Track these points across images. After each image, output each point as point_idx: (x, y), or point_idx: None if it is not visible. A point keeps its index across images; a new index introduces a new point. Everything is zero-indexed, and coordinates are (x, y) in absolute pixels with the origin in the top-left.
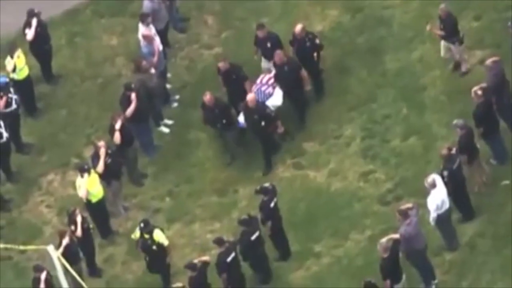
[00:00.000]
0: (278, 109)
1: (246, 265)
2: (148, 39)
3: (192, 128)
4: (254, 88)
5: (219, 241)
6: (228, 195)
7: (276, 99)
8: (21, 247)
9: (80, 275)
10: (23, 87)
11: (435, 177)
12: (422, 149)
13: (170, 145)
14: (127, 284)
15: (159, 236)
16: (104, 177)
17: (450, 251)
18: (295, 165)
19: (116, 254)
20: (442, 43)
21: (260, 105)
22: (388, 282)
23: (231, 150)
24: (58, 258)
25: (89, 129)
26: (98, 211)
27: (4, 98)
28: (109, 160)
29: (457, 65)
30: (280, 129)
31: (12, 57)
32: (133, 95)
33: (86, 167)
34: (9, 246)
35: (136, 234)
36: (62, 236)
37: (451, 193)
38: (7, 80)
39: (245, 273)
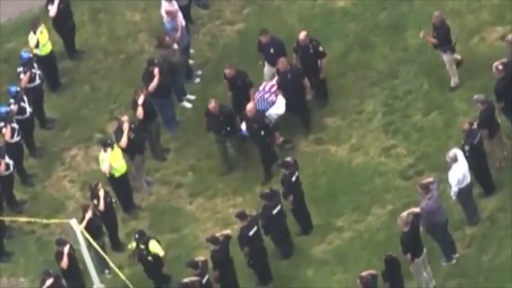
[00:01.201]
0: (281, 116)
1: (268, 239)
2: (171, 14)
3: None
4: (257, 95)
5: (241, 215)
6: (250, 170)
7: (279, 107)
8: (44, 221)
9: (102, 249)
10: (47, 62)
11: (456, 152)
12: (443, 124)
13: (192, 120)
14: None
15: (154, 247)
16: (128, 152)
17: (471, 225)
18: (316, 140)
19: (138, 229)
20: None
21: (260, 115)
22: (408, 256)
23: (229, 159)
24: (81, 232)
25: (112, 104)
26: (121, 186)
27: (28, 74)
28: (133, 135)
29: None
30: (279, 140)
31: (35, 32)
32: (156, 71)
33: (109, 141)
34: (32, 219)
35: (133, 244)
36: (85, 210)
37: (472, 167)
38: (31, 55)
39: (267, 247)
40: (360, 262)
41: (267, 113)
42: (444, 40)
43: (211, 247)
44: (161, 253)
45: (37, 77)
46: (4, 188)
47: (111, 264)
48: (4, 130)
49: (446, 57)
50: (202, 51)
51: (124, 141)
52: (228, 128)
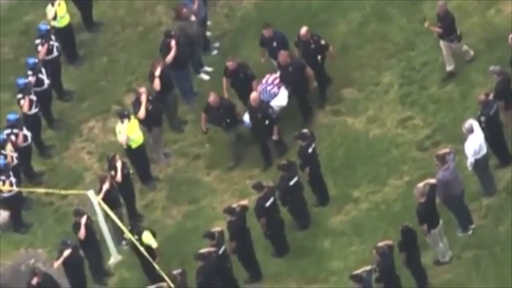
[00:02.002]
0: (282, 109)
1: (284, 210)
2: None
3: None
4: (260, 87)
5: (258, 186)
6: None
7: (281, 99)
8: (62, 192)
9: (120, 220)
10: (64, 34)
11: (472, 123)
12: (459, 96)
13: (209, 92)
14: (167, 229)
15: (147, 238)
16: (145, 123)
17: (487, 196)
18: (334, 111)
19: (156, 200)
20: (441, 42)
21: (264, 104)
22: (425, 227)
23: (234, 150)
24: (99, 203)
25: (129, 76)
26: (138, 157)
27: (46, 46)
28: (150, 107)
29: (449, 75)
30: (275, 136)
31: (53, 4)
32: (173, 42)
33: (126, 113)
34: (50, 190)
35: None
36: (102, 181)
37: (488, 138)
38: (48, 27)
39: (284, 218)
40: (376, 233)
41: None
42: (449, 29)
43: (228, 218)
44: (154, 244)
45: (55, 49)
46: (22, 159)
47: (129, 235)
48: (22, 102)
49: (454, 46)
50: (219, 23)
51: (142, 112)
52: (228, 120)
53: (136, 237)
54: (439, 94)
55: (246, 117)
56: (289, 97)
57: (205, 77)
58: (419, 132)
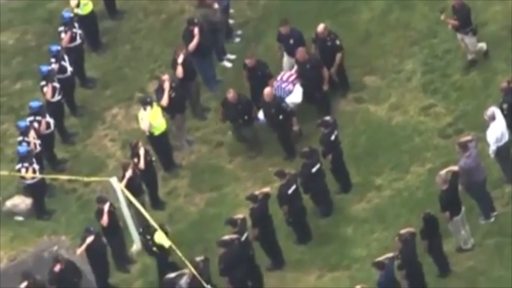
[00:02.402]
0: (297, 107)
1: (307, 197)
2: None
3: None
4: (275, 84)
5: (280, 174)
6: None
7: (295, 96)
8: (85, 179)
9: (143, 208)
10: (87, 22)
11: (494, 110)
12: (482, 83)
13: (232, 80)
14: (190, 216)
15: (160, 238)
16: (168, 111)
17: (510, 183)
18: (356, 99)
19: (179, 187)
20: (458, 35)
21: (277, 99)
22: (447, 214)
23: (252, 142)
24: (121, 190)
25: (152, 64)
26: (161, 144)
27: (69, 33)
28: (173, 94)
29: (471, 64)
30: (296, 127)
31: None
32: (196, 30)
33: (148, 100)
34: (73, 177)
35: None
36: (125, 168)
37: (510, 125)
38: (72, 15)
39: (306, 206)
40: (399, 220)
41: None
42: (465, 22)
43: (250, 205)
44: (166, 244)
45: (78, 37)
46: (45, 147)
47: (152, 222)
48: (45, 89)
49: (468, 40)
50: (242, 11)
51: (165, 100)
52: (246, 117)
53: (149, 237)
54: (461, 81)
55: (261, 114)
56: (304, 94)
57: (228, 64)
58: (442, 119)
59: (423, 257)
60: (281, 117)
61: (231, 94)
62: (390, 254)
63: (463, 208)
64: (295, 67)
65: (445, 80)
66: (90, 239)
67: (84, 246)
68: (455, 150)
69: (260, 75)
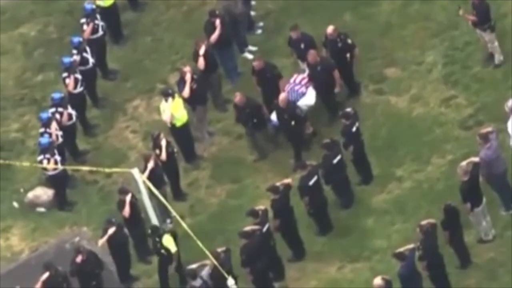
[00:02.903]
0: (310, 108)
1: (328, 188)
2: None
3: (275, 54)
4: (288, 87)
5: (301, 165)
6: (311, 120)
7: (309, 98)
8: (107, 170)
9: (164, 199)
10: (109, 14)
11: None
12: (502, 75)
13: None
14: (211, 207)
15: (168, 241)
16: (190, 102)
17: None
18: (377, 91)
19: (200, 178)
20: (477, 30)
21: (291, 105)
22: (468, 205)
23: (260, 148)
24: (143, 182)
25: (174, 55)
26: (183, 135)
27: (91, 25)
28: (195, 86)
29: (491, 56)
30: (309, 130)
31: None
32: (217, 22)
33: (170, 91)
34: (94, 169)
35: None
36: (147, 160)
37: None
38: (94, 7)
39: (327, 197)
40: (419, 211)
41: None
42: (483, 18)
43: (271, 197)
44: (173, 249)
45: (100, 28)
46: (67, 138)
47: (173, 213)
48: (67, 81)
49: (486, 36)
50: (263, 3)
51: (186, 91)
52: (255, 120)
53: (157, 239)
54: (482, 73)
55: (274, 116)
56: (317, 96)
57: (249, 56)
58: (462, 111)
59: (444, 248)
60: (293, 123)
61: (238, 97)
62: (411, 245)
63: (484, 200)
64: (307, 70)
65: (466, 72)
66: (111, 230)
67: (105, 237)
68: (475, 141)
69: (269, 76)
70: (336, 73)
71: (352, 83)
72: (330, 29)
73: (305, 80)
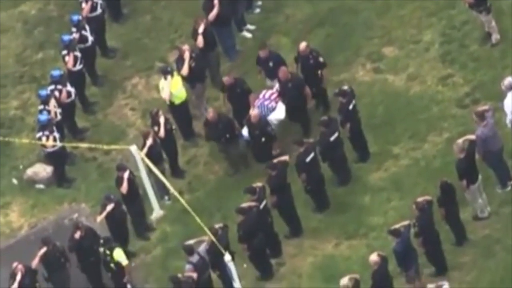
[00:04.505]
0: (280, 122)
1: (325, 166)
2: None
3: (273, 33)
4: (257, 102)
5: (298, 142)
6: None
7: (278, 113)
8: (105, 147)
9: (163, 176)
10: None
11: (511, 80)
12: (499, 54)
13: (252, 50)
14: (209, 184)
15: (118, 255)
16: (188, 80)
17: None
18: (374, 69)
19: (198, 156)
20: (473, 12)
21: (263, 122)
22: (464, 182)
23: (233, 163)
24: (142, 159)
25: (173, 34)
26: (181, 113)
27: (90, 3)
28: (193, 64)
29: (488, 35)
30: (275, 151)
31: None
32: (216, 0)
33: (169, 69)
34: (93, 145)
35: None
36: (145, 136)
37: None
38: None
39: (324, 174)
40: (416, 189)
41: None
42: (478, 0)
43: (268, 172)
44: (124, 262)
45: (99, 7)
46: (66, 115)
47: (172, 190)
48: (66, 58)
49: (483, 18)
50: None
51: (185, 69)
52: (227, 136)
53: (108, 252)
54: (479, 52)
55: (245, 131)
56: (287, 110)
57: (248, 35)
58: (459, 89)
59: (440, 225)
60: (263, 139)
61: (210, 114)
62: (406, 222)
63: (480, 177)
64: (277, 86)
65: (463, 50)
66: (110, 206)
67: (104, 214)
68: (472, 119)
69: (240, 92)
70: (307, 89)
71: (322, 99)
72: (302, 45)
73: (275, 95)
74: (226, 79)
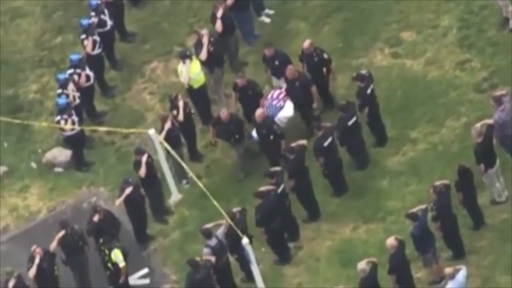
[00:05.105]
0: (289, 120)
1: (343, 150)
2: None
3: (292, 17)
4: (266, 103)
5: (317, 126)
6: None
7: (287, 110)
8: (124, 130)
9: (181, 159)
10: None
11: None
12: None
13: (270, 35)
14: (226, 168)
15: (116, 256)
16: (207, 65)
17: None
18: (392, 54)
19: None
20: None
21: (268, 120)
22: (482, 166)
23: (243, 165)
24: (160, 142)
25: (191, 18)
26: (200, 97)
27: None
28: (212, 48)
29: (506, 20)
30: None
31: None
32: None
33: (187, 53)
34: (111, 129)
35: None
36: (164, 120)
37: None
38: None
39: (343, 159)
40: (434, 173)
41: (276, 118)
42: None
43: (287, 157)
44: (121, 264)
45: None
46: (85, 99)
47: (190, 173)
48: (85, 42)
49: (501, 2)
50: None
51: (203, 54)
52: (237, 136)
53: (107, 252)
54: (497, 37)
55: (255, 132)
56: (295, 108)
57: (266, 19)
58: (477, 74)
59: (458, 209)
60: (271, 137)
61: (223, 114)
62: (423, 206)
63: (497, 161)
64: (284, 85)
65: (481, 35)
66: (128, 190)
67: (122, 197)
68: (489, 104)
69: (251, 94)
70: (314, 89)
71: (327, 97)
72: (306, 43)
73: (282, 95)
74: (239, 81)
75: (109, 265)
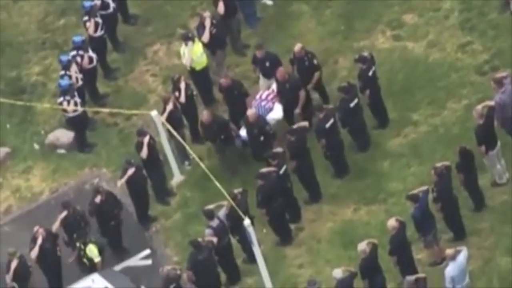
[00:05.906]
0: (278, 122)
1: (345, 132)
2: None
3: (294, 0)
4: (254, 103)
5: (318, 108)
6: (328, 65)
7: (276, 112)
8: (126, 112)
9: (183, 141)
10: None
11: None
12: None
13: (272, 17)
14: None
15: (91, 251)
16: (209, 47)
17: None
18: (394, 36)
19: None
20: None
21: (261, 121)
22: (483, 148)
23: (231, 165)
24: (162, 124)
25: (194, 0)
26: (202, 79)
27: None
28: (214, 30)
29: (507, 3)
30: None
31: None
32: None
33: (190, 35)
34: (114, 110)
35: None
36: (166, 102)
37: None
38: None
39: (344, 140)
40: (435, 155)
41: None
42: None
43: (288, 138)
44: (96, 259)
45: None
46: (87, 81)
47: (192, 155)
48: (88, 24)
49: None
50: None
51: (206, 36)
52: (222, 137)
53: (82, 247)
54: (498, 20)
55: (243, 132)
56: (283, 110)
57: (269, 2)
58: (478, 56)
59: (458, 191)
60: (262, 138)
61: (204, 116)
62: (424, 187)
63: (498, 143)
64: (273, 86)
65: (482, 18)
66: (130, 171)
67: (124, 178)
68: (491, 86)
69: (237, 94)
70: (302, 93)
71: (323, 93)
72: (297, 47)
73: (271, 96)
74: (223, 81)
75: (84, 260)
